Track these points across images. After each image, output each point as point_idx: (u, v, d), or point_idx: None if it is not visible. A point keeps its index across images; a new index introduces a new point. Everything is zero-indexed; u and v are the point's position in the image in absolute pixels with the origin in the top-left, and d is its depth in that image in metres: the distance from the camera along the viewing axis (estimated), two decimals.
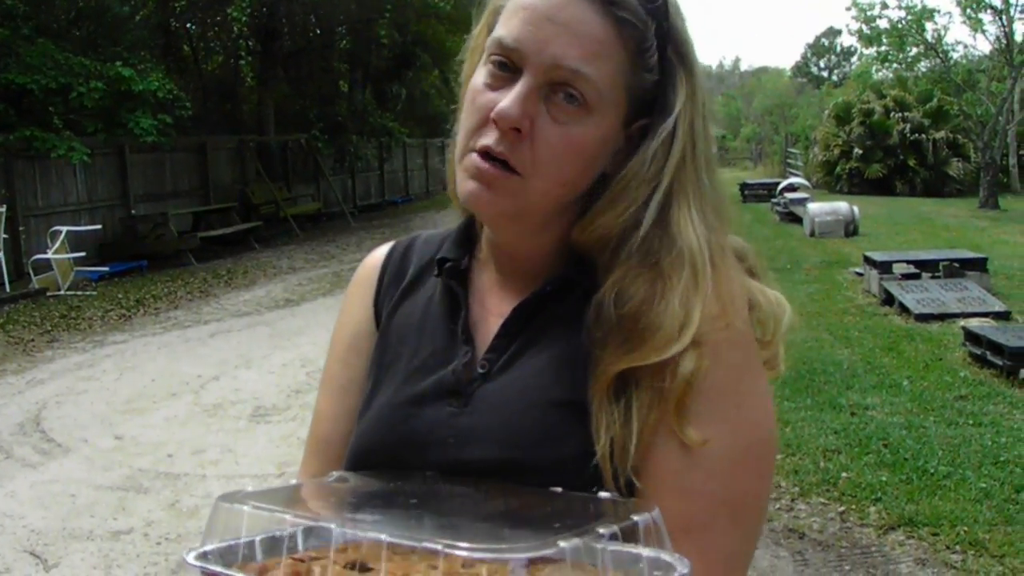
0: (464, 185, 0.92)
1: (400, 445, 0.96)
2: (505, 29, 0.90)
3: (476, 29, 0.99)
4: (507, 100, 0.88)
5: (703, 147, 0.94)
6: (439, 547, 0.66)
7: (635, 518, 0.74)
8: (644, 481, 0.86)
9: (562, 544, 0.66)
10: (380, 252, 1.16)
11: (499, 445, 0.90)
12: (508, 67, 0.90)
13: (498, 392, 0.94)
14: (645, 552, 0.71)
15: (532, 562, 0.66)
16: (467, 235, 1.06)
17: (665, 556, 0.71)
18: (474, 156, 0.90)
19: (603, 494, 0.82)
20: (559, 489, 0.84)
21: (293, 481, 0.99)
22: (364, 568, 0.69)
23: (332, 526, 0.72)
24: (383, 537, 0.69)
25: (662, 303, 0.88)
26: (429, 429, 0.95)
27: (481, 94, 0.91)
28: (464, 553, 0.65)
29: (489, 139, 0.89)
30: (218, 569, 0.75)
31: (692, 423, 0.86)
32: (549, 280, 0.97)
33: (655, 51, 0.91)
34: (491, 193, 0.90)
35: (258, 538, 0.77)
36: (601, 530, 0.71)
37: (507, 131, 0.88)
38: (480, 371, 0.96)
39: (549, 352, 0.94)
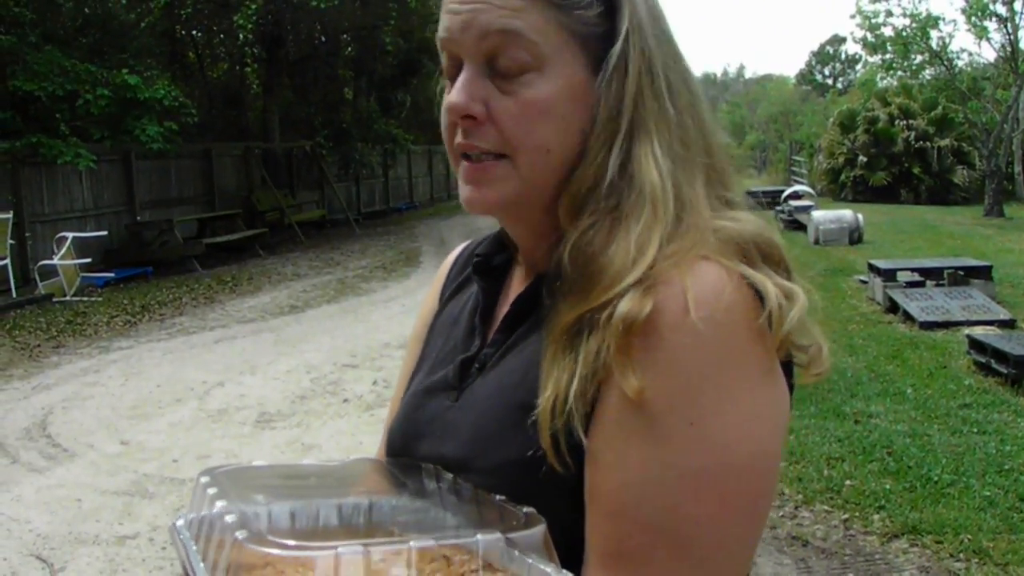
0: (462, 191, 0.90)
1: (409, 434, 0.99)
2: (440, 26, 0.89)
3: None
4: (452, 91, 0.86)
5: (663, 70, 0.86)
6: (239, 535, 0.69)
7: (490, 535, 0.71)
8: (586, 491, 0.79)
9: (357, 546, 0.68)
10: (458, 248, 1.19)
11: (465, 443, 0.89)
12: (455, 65, 0.88)
13: (481, 389, 0.92)
14: (531, 561, 0.70)
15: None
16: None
17: (548, 570, 0.69)
18: (463, 162, 0.89)
19: (525, 508, 0.76)
20: (496, 497, 0.80)
21: (304, 461, 1.02)
22: None
23: (222, 517, 0.76)
24: (238, 535, 0.71)
25: (614, 244, 0.81)
26: (428, 421, 0.96)
27: (445, 97, 0.90)
28: (276, 551, 0.67)
29: (459, 136, 0.88)
30: (185, 543, 0.79)
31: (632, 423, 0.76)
32: (540, 273, 0.92)
33: None
34: (482, 189, 0.88)
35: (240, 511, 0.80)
36: (439, 540, 0.70)
37: (462, 121, 0.86)
38: (477, 366, 0.95)
39: (531, 350, 0.88)
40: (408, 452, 0.97)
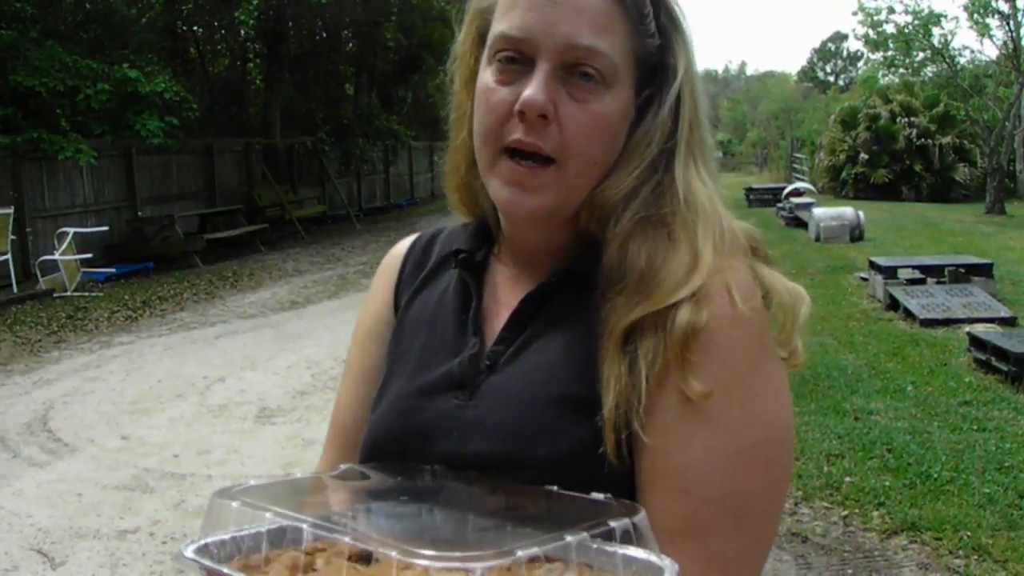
0: (501, 193, 0.92)
1: (408, 436, 0.96)
2: (507, 22, 0.90)
3: (461, 36, 1.00)
4: (531, 88, 0.88)
5: (704, 107, 0.97)
6: (393, 554, 0.66)
7: (621, 521, 0.73)
8: (644, 476, 0.85)
9: (520, 553, 0.66)
10: (405, 242, 1.18)
11: (498, 439, 0.89)
12: (517, 60, 0.90)
13: (503, 386, 0.92)
14: (633, 553, 0.71)
15: (529, 561, 0.66)
16: (486, 229, 1.06)
17: (652, 558, 0.70)
18: (507, 162, 0.91)
19: (596, 495, 0.80)
20: (553, 488, 0.82)
21: (297, 474, 1.00)
22: (368, 558, 0.69)
23: (303, 526, 0.73)
24: (346, 539, 0.69)
25: (672, 252, 0.88)
26: (436, 421, 0.95)
27: (494, 92, 0.91)
28: (425, 562, 0.64)
29: (517, 133, 0.89)
30: (207, 563, 0.75)
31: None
32: (555, 272, 0.95)
33: (652, 16, 0.92)
34: (529, 194, 0.91)
35: (265, 529, 0.77)
36: (589, 531, 0.71)
37: (535, 120, 0.88)
38: (487, 363, 0.95)
39: (554, 345, 0.92)
40: (407, 454, 0.95)
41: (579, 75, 0.88)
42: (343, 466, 0.97)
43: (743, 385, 0.85)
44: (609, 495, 0.80)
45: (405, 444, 0.96)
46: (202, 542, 0.78)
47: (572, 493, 0.81)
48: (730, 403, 0.84)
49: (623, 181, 0.92)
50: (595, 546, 0.71)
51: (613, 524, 0.73)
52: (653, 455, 0.84)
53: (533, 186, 0.90)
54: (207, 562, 0.75)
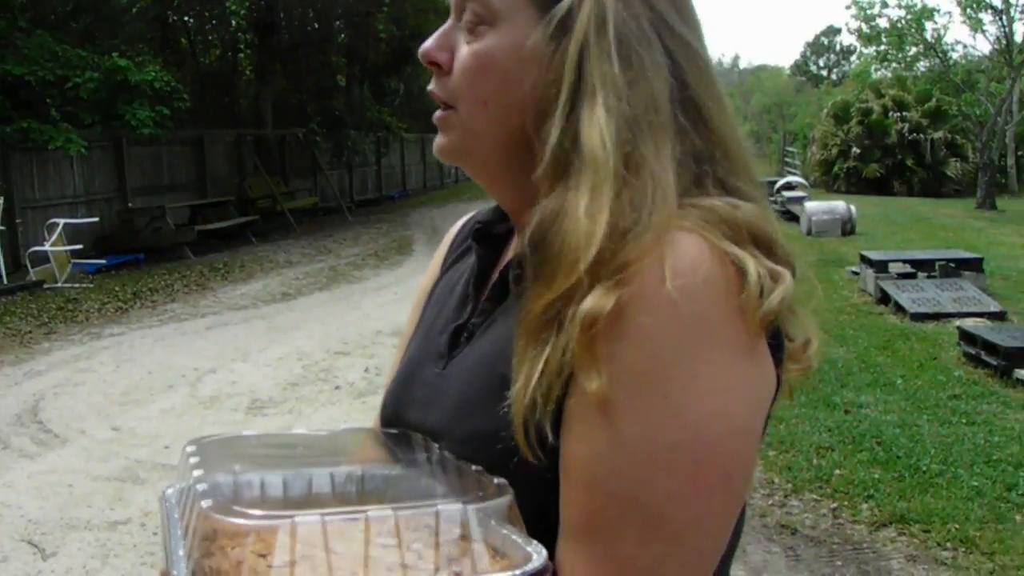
0: None
1: (400, 402, 0.99)
2: None
3: None
4: (427, 40, 0.90)
5: (619, 28, 0.79)
6: (204, 503, 0.70)
7: (451, 504, 0.71)
8: (562, 469, 0.76)
9: (297, 519, 0.68)
10: (460, 221, 1.20)
11: (445, 411, 0.90)
12: None
13: (466, 358, 0.92)
14: (507, 532, 0.70)
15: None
16: None
17: (520, 541, 0.68)
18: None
19: (499, 480, 0.76)
20: (477, 467, 0.79)
21: (294, 430, 1.02)
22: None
23: (221, 479, 0.76)
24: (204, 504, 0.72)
25: (567, 219, 0.76)
26: (416, 390, 0.97)
27: None
28: (240, 521, 0.68)
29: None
30: (169, 510, 0.79)
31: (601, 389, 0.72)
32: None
33: None
34: (441, 136, 0.92)
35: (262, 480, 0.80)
36: (397, 509, 0.70)
37: (430, 67, 0.90)
38: (466, 335, 0.95)
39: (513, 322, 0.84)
40: (398, 420, 0.98)
41: (466, 20, 0.87)
42: (343, 427, 0.99)
43: (666, 375, 0.71)
44: (502, 479, 0.75)
45: (397, 411, 0.99)
46: (180, 486, 0.82)
47: (480, 472, 0.78)
48: (646, 393, 0.71)
49: (539, 135, 0.82)
50: (479, 522, 0.71)
51: (440, 505, 0.70)
52: (566, 448, 0.75)
53: (443, 128, 0.92)
54: (171, 504, 0.80)
